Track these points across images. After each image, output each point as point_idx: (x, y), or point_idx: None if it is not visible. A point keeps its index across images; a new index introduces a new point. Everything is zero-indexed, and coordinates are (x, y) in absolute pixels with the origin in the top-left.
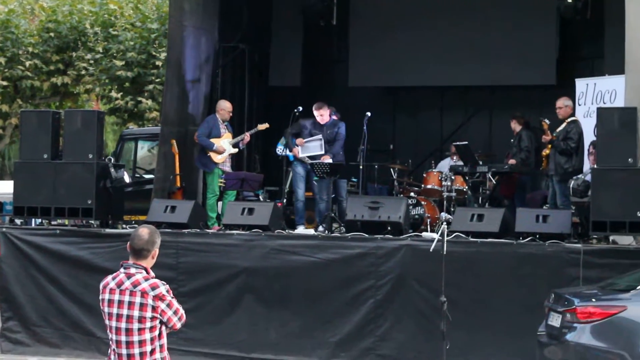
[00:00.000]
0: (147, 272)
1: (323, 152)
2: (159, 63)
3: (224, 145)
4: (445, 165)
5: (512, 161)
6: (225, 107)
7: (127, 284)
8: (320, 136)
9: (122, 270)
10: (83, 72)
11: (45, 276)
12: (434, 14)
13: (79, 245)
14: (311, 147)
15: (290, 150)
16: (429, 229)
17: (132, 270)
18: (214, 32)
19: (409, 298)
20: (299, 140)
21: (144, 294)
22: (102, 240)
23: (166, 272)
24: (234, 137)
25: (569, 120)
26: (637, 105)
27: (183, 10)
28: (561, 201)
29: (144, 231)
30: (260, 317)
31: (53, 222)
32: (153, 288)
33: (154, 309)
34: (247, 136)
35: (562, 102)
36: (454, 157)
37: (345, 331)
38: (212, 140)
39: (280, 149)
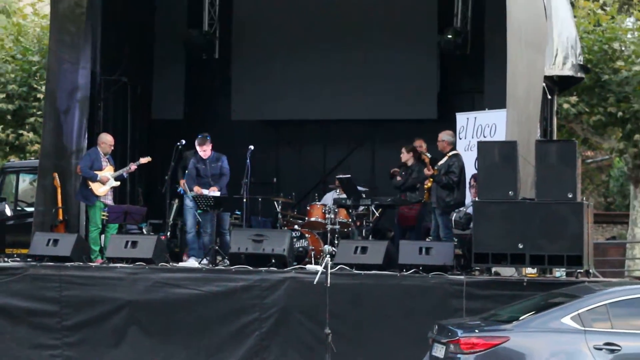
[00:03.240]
0: None
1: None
2: (40, 95)
3: (107, 177)
4: (329, 198)
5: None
6: (106, 140)
7: None
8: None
9: None
10: None
11: None
12: (316, 48)
13: None
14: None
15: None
16: (313, 262)
17: None
18: (95, 65)
19: (293, 330)
20: (196, 188)
21: None
22: None
23: (49, 305)
24: (115, 170)
25: (450, 154)
26: (522, 139)
27: (61, 43)
28: (444, 233)
29: None
30: (145, 351)
31: None
32: None
33: None
34: (132, 166)
35: (440, 137)
36: (338, 190)
37: None
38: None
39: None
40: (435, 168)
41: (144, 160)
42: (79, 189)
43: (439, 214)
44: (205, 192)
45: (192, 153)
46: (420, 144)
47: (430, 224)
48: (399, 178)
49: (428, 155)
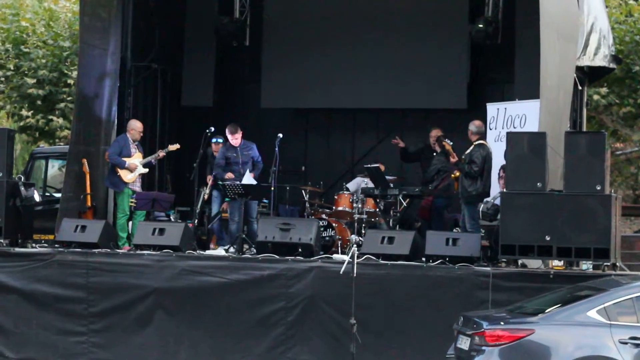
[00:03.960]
0: None
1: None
2: (70, 81)
3: (135, 164)
4: (355, 183)
5: None
6: (136, 127)
7: None
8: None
9: None
10: None
11: None
12: (347, 37)
13: None
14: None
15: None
16: (339, 251)
17: None
18: (126, 50)
19: (319, 320)
20: (227, 175)
21: None
22: (11, 259)
23: (76, 292)
24: (144, 157)
25: (476, 143)
26: (552, 130)
27: (92, 29)
28: (469, 224)
29: None
30: (171, 338)
31: None
32: None
33: None
34: (161, 153)
35: (469, 126)
36: (367, 180)
37: (255, 352)
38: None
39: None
40: (462, 157)
41: (172, 147)
42: (107, 175)
43: (463, 204)
44: (250, 179)
45: (211, 151)
46: (437, 133)
47: (458, 215)
48: (401, 144)
49: (449, 142)
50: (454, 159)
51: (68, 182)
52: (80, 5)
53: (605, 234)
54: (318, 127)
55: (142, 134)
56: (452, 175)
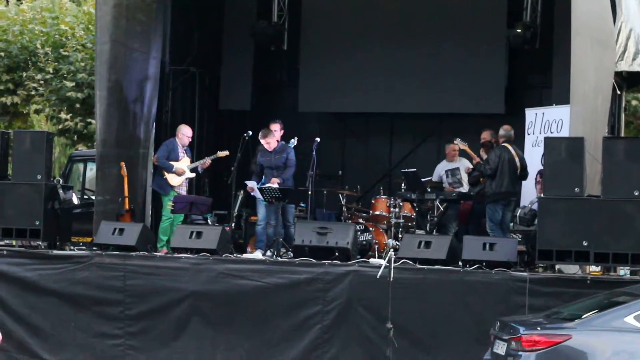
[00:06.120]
0: None
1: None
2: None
3: (183, 169)
4: (442, 168)
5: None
6: (185, 132)
7: None
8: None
9: None
10: (33, 92)
11: None
12: (385, 41)
13: (26, 267)
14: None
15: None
16: (376, 255)
17: None
18: (164, 54)
19: (355, 324)
20: (249, 188)
21: None
22: (49, 261)
23: (113, 294)
24: (191, 162)
25: (499, 146)
26: (588, 136)
27: (132, 33)
28: (487, 226)
29: None
30: (207, 341)
31: (0, 243)
32: None
33: None
34: (208, 160)
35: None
36: (455, 158)
37: (291, 356)
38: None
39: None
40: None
41: (221, 153)
42: (154, 178)
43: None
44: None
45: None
46: (487, 136)
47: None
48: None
49: (464, 143)
50: (475, 160)
51: (102, 185)
52: (96, 10)
53: None
54: (355, 131)
55: (190, 140)
56: (482, 180)
